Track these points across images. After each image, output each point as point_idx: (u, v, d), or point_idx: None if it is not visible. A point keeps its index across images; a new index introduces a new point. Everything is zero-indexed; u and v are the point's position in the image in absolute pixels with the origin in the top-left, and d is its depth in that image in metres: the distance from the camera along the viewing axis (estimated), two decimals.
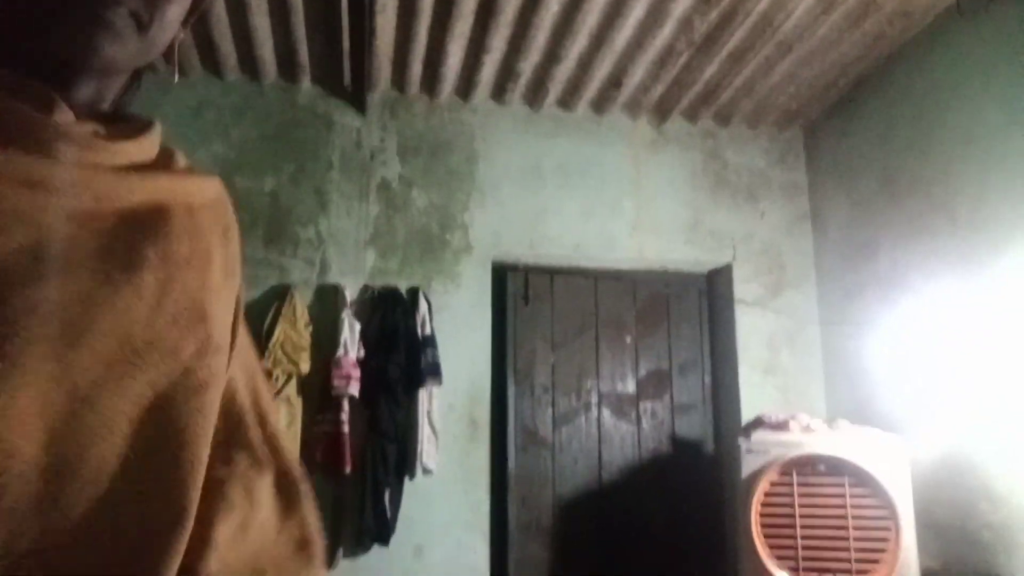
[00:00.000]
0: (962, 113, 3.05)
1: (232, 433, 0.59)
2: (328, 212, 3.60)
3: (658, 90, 3.75)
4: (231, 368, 0.60)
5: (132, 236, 0.55)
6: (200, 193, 0.63)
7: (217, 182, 0.66)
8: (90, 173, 0.54)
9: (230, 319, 0.60)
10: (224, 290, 0.59)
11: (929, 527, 2.90)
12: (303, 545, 0.57)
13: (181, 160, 0.65)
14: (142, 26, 0.59)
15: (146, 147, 0.60)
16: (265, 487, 0.58)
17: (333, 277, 3.51)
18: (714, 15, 3.15)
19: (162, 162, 0.62)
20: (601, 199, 3.86)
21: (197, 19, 0.68)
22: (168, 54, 0.67)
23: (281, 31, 3.32)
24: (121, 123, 0.62)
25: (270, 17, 3.22)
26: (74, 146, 0.54)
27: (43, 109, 0.54)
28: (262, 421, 0.63)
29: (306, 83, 3.71)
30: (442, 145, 3.80)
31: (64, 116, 0.56)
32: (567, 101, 3.87)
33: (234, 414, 0.60)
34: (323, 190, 3.63)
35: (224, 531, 0.53)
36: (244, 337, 0.64)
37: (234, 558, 0.52)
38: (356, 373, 3.14)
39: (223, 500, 0.54)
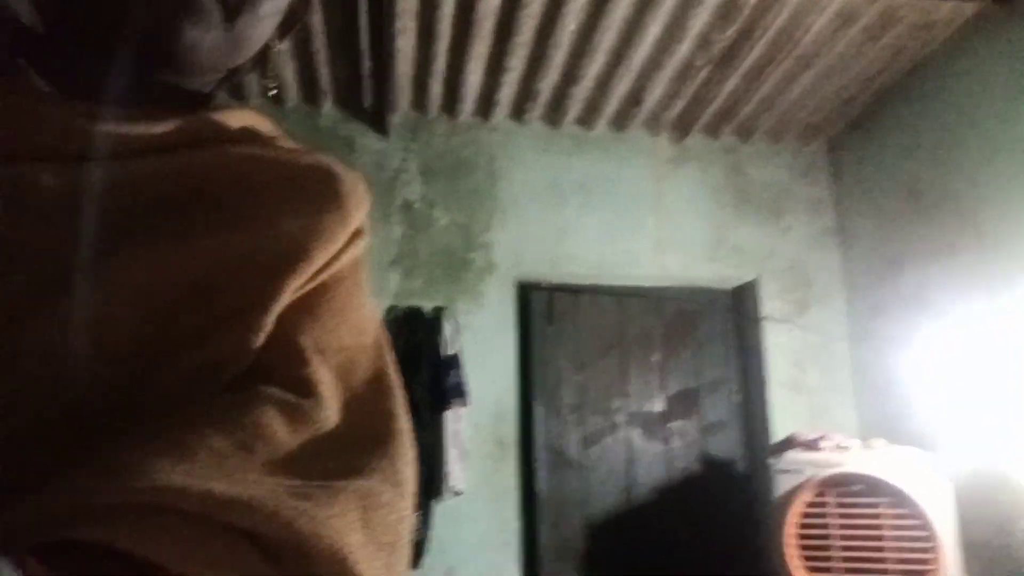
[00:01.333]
0: (987, 124, 3.01)
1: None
2: None
3: (678, 106, 3.73)
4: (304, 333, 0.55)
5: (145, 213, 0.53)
6: (259, 164, 0.58)
7: (317, 159, 0.61)
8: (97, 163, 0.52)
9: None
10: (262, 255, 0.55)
11: (969, 546, 2.82)
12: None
13: (269, 136, 0.61)
14: (229, 13, 0.55)
15: (182, 127, 0.56)
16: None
17: None
18: (732, 31, 3.14)
19: (223, 137, 0.58)
20: (623, 217, 3.84)
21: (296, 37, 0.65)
22: (263, 65, 0.65)
23: (302, 54, 3.34)
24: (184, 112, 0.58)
25: (291, 41, 3.24)
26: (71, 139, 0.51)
27: (7, 83, 0.52)
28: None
29: (328, 106, 3.73)
30: (463, 165, 3.80)
31: (31, 88, 0.53)
32: (586, 119, 3.86)
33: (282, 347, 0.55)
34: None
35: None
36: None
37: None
38: None
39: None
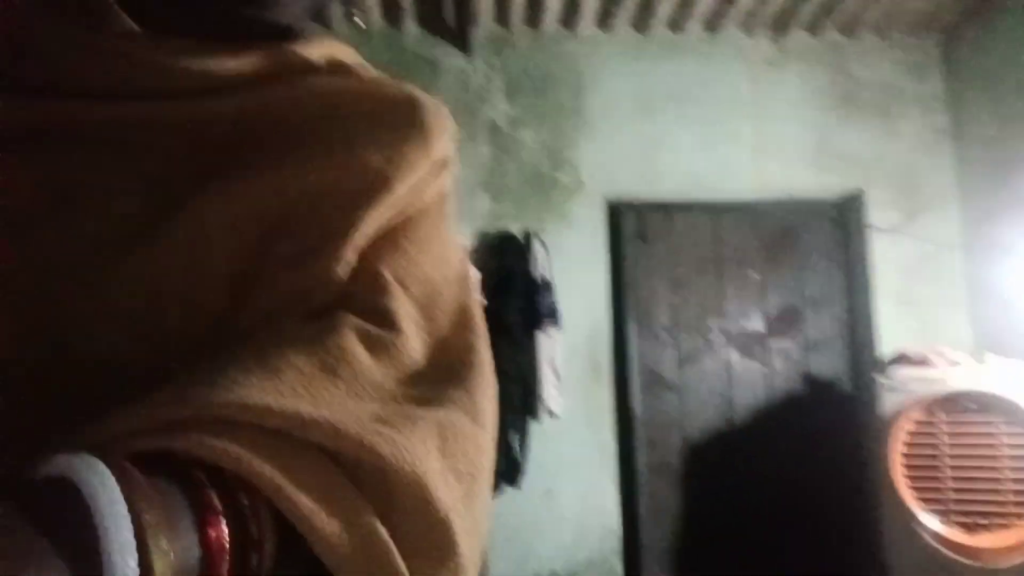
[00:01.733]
0: None
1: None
2: None
3: (776, 1, 3.49)
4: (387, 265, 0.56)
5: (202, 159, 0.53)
6: (340, 96, 0.57)
7: (400, 88, 0.59)
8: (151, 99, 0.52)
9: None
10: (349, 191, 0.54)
11: None
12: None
13: (352, 66, 0.60)
14: None
15: (265, 60, 0.55)
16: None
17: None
18: None
19: (306, 70, 0.57)
20: (718, 126, 3.68)
21: None
22: None
23: None
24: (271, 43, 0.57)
25: None
26: (134, 68, 0.51)
27: (94, 25, 0.51)
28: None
29: (410, 26, 3.65)
30: (548, 80, 3.69)
31: (121, 26, 0.52)
32: (677, 21, 3.67)
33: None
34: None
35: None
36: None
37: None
38: None
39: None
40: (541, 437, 3.35)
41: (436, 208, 0.61)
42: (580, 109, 3.67)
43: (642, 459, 3.52)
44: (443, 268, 0.59)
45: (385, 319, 0.52)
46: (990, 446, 2.66)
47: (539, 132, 3.64)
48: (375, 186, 0.54)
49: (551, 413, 3.30)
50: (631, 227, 3.67)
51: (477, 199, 3.56)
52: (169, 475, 0.36)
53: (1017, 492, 2.57)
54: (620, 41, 3.73)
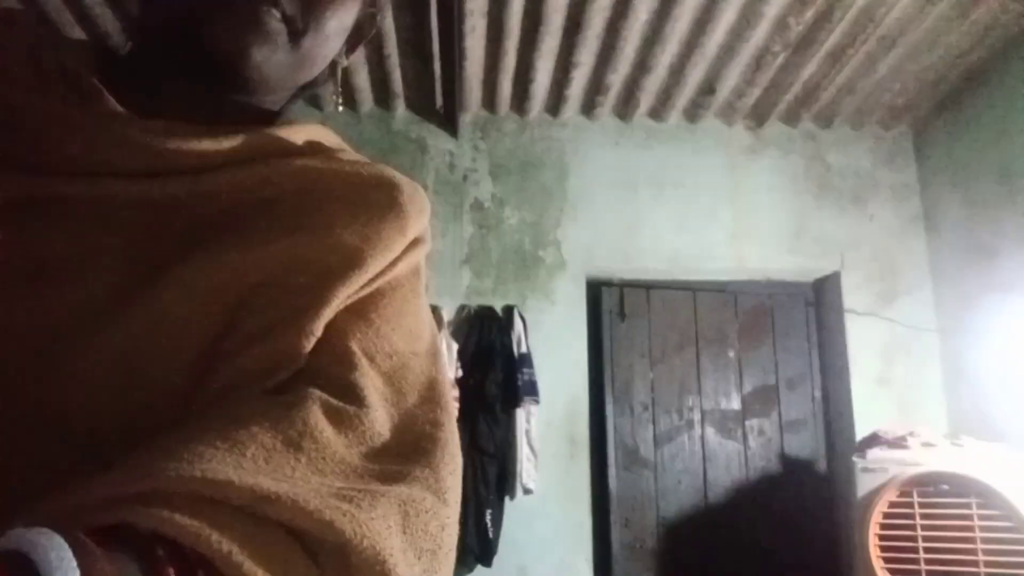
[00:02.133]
0: None
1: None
2: None
3: (754, 94, 3.64)
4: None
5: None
6: (320, 175, 0.59)
7: (378, 169, 0.61)
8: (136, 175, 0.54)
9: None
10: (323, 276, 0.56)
11: None
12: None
13: (333, 149, 0.62)
14: (295, 34, 0.58)
15: (249, 142, 0.57)
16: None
17: (431, 298, 3.54)
18: (810, 14, 3.04)
19: (289, 152, 0.59)
20: (697, 208, 3.78)
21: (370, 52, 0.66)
22: (334, 79, 0.67)
23: (375, 59, 3.41)
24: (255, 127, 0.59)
25: (365, 46, 3.30)
26: (116, 145, 0.53)
27: (82, 104, 0.54)
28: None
29: (400, 109, 3.79)
30: (533, 162, 3.81)
31: (108, 106, 0.54)
32: (659, 111, 3.81)
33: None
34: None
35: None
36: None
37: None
38: (455, 393, 3.17)
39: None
40: (515, 514, 3.31)
41: (408, 283, 0.62)
42: (563, 190, 3.77)
43: (617, 537, 3.47)
44: (412, 342, 0.60)
45: (351, 393, 0.52)
46: (965, 528, 2.64)
47: (523, 211, 3.74)
48: (349, 263, 0.55)
49: (527, 490, 3.28)
50: (611, 304, 3.72)
51: (460, 275, 3.62)
52: (128, 549, 0.36)
53: (989, 573, 2.54)
54: (603, 128, 3.86)
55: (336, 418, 0.50)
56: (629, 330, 3.71)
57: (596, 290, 3.73)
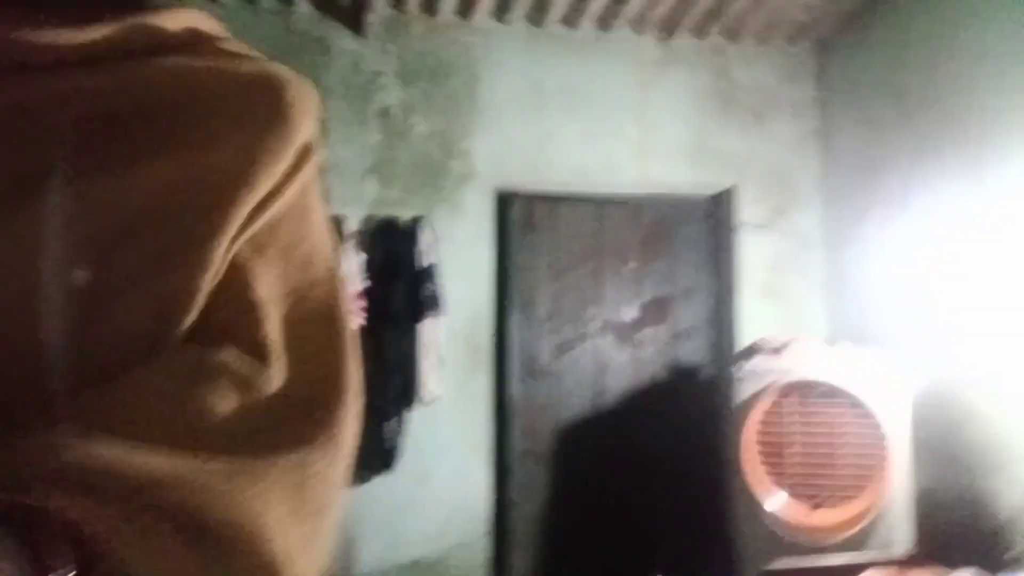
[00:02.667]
0: (976, 28, 2.94)
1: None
2: (327, 140, 3.57)
3: (667, 3, 3.62)
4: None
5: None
6: (195, 77, 0.53)
7: (259, 67, 0.55)
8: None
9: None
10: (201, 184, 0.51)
11: (921, 448, 2.95)
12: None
13: (213, 38, 0.55)
14: None
15: (112, 33, 0.49)
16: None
17: (335, 207, 3.51)
18: None
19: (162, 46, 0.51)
20: (605, 122, 3.80)
21: None
22: None
23: None
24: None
25: None
26: None
27: None
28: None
29: (303, 4, 3.61)
30: (443, 68, 3.72)
31: None
32: (571, 18, 3.76)
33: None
34: (322, 117, 3.58)
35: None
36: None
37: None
38: (360, 304, 3.20)
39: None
40: (419, 421, 3.41)
41: (302, 200, 0.57)
42: (473, 99, 3.72)
43: (516, 444, 3.62)
44: (311, 270, 0.56)
45: (257, 351, 0.50)
46: (833, 431, 2.89)
47: (431, 120, 3.67)
48: (235, 183, 0.50)
49: (433, 398, 3.37)
50: (518, 216, 3.75)
51: (366, 184, 3.57)
52: (10, 529, 0.36)
53: (849, 473, 2.82)
54: (515, 34, 3.79)
55: (239, 386, 0.48)
56: (535, 242, 3.77)
57: (505, 202, 3.74)
